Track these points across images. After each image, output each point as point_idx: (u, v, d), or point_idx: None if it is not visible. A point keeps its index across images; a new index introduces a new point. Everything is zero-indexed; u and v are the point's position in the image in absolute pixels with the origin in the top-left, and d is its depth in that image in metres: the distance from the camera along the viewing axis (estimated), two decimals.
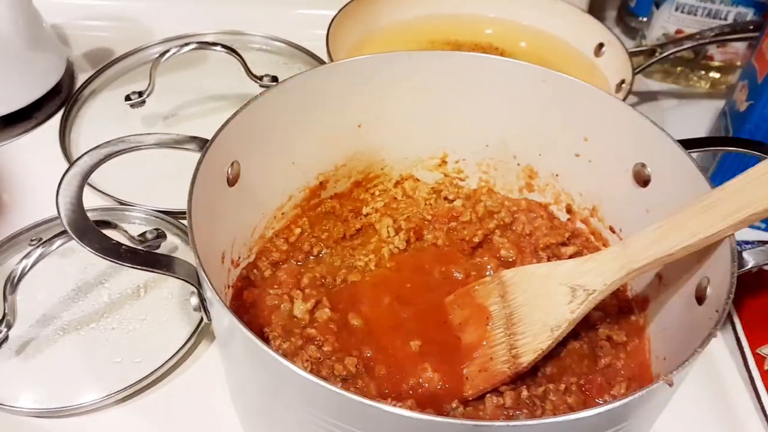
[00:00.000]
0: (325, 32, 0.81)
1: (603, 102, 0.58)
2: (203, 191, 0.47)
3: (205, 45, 0.80)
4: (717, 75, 0.96)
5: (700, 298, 0.47)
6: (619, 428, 0.40)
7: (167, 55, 0.78)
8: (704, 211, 0.46)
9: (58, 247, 0.56)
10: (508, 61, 0.61)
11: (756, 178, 0.45)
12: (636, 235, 0.49)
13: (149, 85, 0.78)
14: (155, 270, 0.41)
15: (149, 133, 0.49)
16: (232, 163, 0.52)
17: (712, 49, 0.95)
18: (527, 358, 0.50)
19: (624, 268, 0.48)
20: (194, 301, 0.42)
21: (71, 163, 0.44)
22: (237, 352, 0.42)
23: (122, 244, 0.41)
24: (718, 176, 0.75)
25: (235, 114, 0.51)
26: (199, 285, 0.42)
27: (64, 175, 0.43)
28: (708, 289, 0.47)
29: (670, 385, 0.37)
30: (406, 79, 0.62)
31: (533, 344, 0.50)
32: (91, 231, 0.41)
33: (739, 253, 0.47)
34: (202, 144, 0.50)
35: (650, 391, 0.37)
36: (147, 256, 0.41)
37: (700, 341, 0.39)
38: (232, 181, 0.53)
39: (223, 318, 0.39)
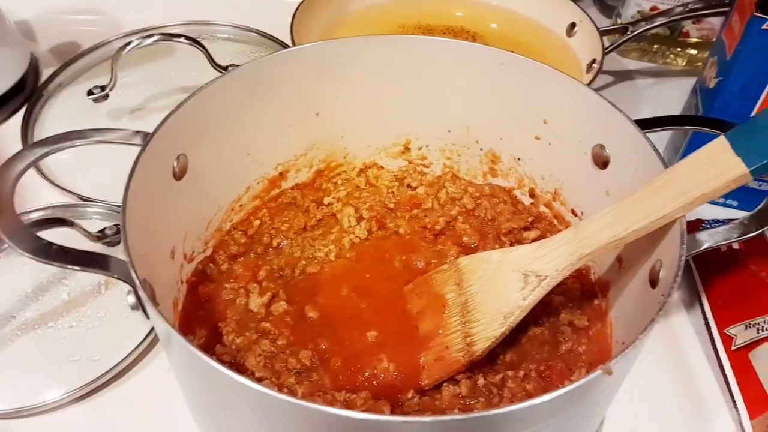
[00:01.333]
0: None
1: (560, 83, 0.56)
2: (145, 187, 0.46)
3: (167, 37, 0.79)
4: (694, 51, 0.95)
5: (653, 282, 0.47)
6: (565, 416, 0.39)
7: (128, 47, 0.76)
8: (654, 193, 0.45)
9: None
10: (465, 45, 0.60)
11: (705, 158, 0.44)
12: (588, 219, 0.48)
13: (111, 79, 0.77)
14: (88, 269, 0.40)
15: (91, 129, 0.48)
16: (178, 157, 0.51)
17: (689, 26, 0.93)
18: (481, 345, 0.49)
19: (576, 253, 0.47)
20: (131, 299, 0.42)
21: (4, 162, 0.43)
22: (175, 354, 0.41)
23: (54, 244, 0.40)
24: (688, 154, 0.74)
25: (179, 106, 0.50)
26: (134, 284, 0.41)
27: None
28: (660, 273, 0.46)
29: (609, 374, 0.36)
30: (363, 65, 0.61)
31: (486, 332, 0.49)
32: (21, 232, 0.40)
33: (692, 235, 0.46)
34: None
35: (589, 381, 0.36)
36: (79, 255, 0.41)
37: (642, 328, 0.38)
38: (179, 175, 0.52)
39: (157, 321, 0.39)
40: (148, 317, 0.42)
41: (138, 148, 0.48)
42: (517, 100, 0.60)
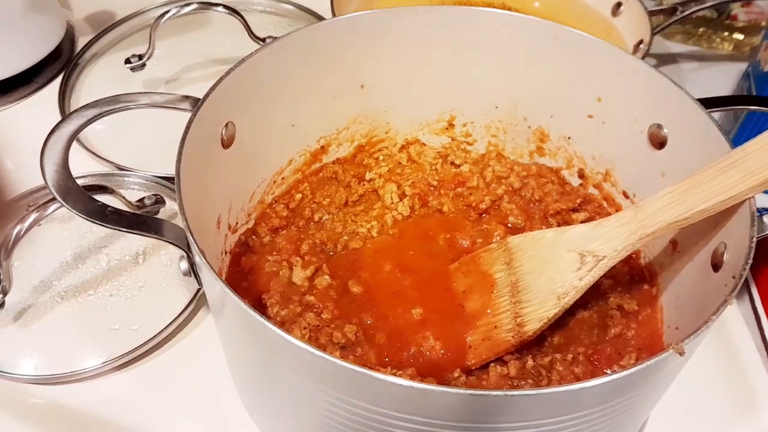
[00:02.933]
0: None
1: (617, 60, 0.55)
2: (195, 153, 0.45)
3: (206, 5, 0.78)
4: (741, 36, 0.92)
5: (716, 265, 0.45)
6: (628, 398, 0.38)
7: (167, 16, 0.76)
8: (722, 172, 0.43)
9: (52, 212, 0.55)
10: (519, 17, 0.58)
11: None
12: (649, 198, 0.46)
13: (149, 47, 0.76)
14: (142, 232, 0.40)
15: (140, 93, 0.47)
16: (227, 124, 0.50)
17: (737, 9, 0.90)
18: (532, 326, 0.48)
19: (636, 233, 0.46)
20: (184, 265, 0.41)
21: (57, 123, 0.42)
22: (228, 318, 0.40)
23: (108, 206, 0.40)
24: (739, 139, 0.72)
25: (229, 72, 0.49)
26: (188, 249, 0.40)
27: (49, 135, 0.42)
28: (725, 255, 0.44)
29: (681, 354, 0.35)
30: (411, 36, 0.59)
31: (539, 312, 0.48)
32: (76, 193, 0.39)
33: (759, 218, 0.44)
34: (196, 103, 0.48)
35: (660, 361, 0.35)
36: (134, 218, 0.40)
37: (714, 309, 0.37)
38: (226, 143, 0.51)
39: (213, 285, 0.38)
40: (200, 283, 0.42)
41: (185, 114, 0.47)
42: (570, 76, 0.58)
